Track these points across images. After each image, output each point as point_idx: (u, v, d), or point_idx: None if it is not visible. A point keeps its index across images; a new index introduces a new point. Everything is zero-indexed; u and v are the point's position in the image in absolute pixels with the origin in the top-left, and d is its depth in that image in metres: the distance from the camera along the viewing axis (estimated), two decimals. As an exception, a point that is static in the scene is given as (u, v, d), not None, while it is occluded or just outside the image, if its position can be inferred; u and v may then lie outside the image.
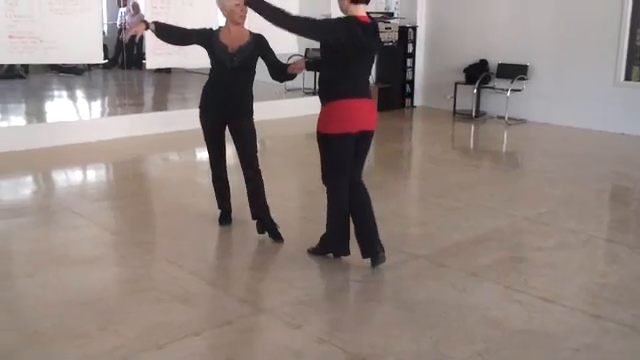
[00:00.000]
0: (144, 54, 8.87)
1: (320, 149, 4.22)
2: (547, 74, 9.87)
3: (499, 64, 10.31)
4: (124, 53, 13.81)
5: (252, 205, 4.92)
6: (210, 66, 4.83)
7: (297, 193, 6.55)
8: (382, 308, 3.84)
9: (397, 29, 11.04)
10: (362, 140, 4.19)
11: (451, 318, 3.67)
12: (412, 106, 11.46)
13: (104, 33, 11.44)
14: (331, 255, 4.44)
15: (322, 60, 4.18)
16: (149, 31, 4.64)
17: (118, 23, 15.59)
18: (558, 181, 6.77)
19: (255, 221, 4.92)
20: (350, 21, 3.97)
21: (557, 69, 9.73)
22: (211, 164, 5.13)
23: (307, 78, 11.17)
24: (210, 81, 4.83)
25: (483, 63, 10.48)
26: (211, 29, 4.74)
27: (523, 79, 9.98)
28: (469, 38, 10.68)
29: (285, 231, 4.87)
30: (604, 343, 3.43)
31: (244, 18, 4.64)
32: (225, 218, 5.24)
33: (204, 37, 4.72)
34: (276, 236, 4.82)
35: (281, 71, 4.72)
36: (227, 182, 5.19)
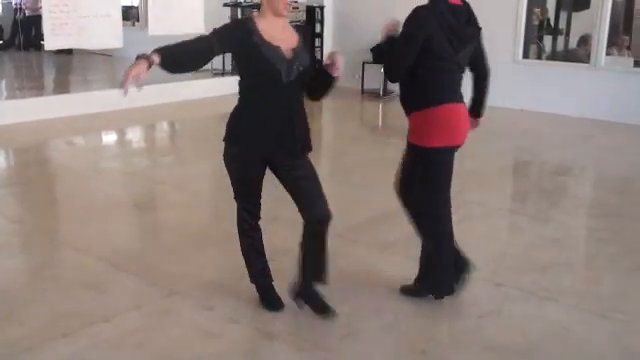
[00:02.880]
0: (43, 35, 8.50)
1: (411, 165, 3.56)
2: (451, 53, 10.12)
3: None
4: (21, 34, 13.18)
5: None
6: (242, 78, 3.25)
7: (209, 175, 6.47)
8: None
9: (304, 9, 11.05)
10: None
11: (362, 292, 3.75)
12: (321, 86, 11.50)
13: (-2, 13, 10.89)
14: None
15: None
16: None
17: (14, 2, 14.85)
18: (462, 156, 6.90)
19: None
20: (439, 5, 3.32)
21: (460, 48, 9.99)
22: (244, 218, 3.42)
23: (216, 58, 11.03)
24: (250, 105, 3.21)
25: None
26: (243, 21, 3.25)
27: (428, 58, 10.19)
28: (375, 17, 10.74)
29: (198, 213, 4.82)
30: (505, 308, 3.61)
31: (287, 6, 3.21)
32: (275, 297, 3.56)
33: (235, 37, 3.12)
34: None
35: (320, 80, 3.31)
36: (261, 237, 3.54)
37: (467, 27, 3.41)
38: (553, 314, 3.55)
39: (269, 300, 3.51)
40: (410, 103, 3.48)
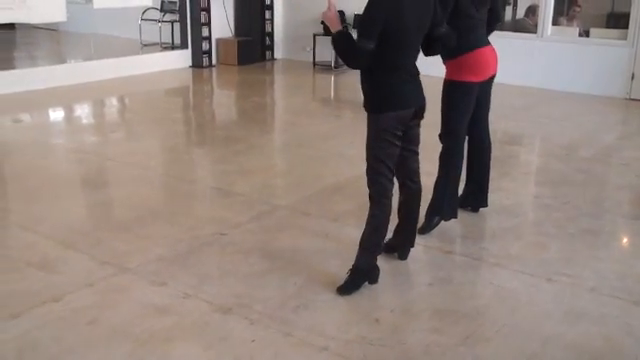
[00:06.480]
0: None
1: (447, 100, 4.13)
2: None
3: (355, 14, 10.48)
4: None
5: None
6: (371, 44, 3.46)
7: (158, 149, 6.40)
8: (248, 259, 3.88)
9: (254, -20, 10.92)
10: (487, 84, 4.27)
11: (314, 263, 3.79)
12: (272, 59, 11.44)
13: None
14: (436, 220, 4.24)
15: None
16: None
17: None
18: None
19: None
20: None
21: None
22: (386, 186, 3.40)
23: (164, 31, 10.84)
24: (389, 69, 3.36)
25: (340, 14, 10.58)
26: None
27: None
28: (326, -11, 10.73)
29: (148, 189, 4.78)
30: (455, 275, 3.69)
31: None
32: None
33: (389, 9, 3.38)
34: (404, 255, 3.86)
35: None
36: None
37: None
38: (501, 279, 3.65)
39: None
40: (444, 54, 3.98)
